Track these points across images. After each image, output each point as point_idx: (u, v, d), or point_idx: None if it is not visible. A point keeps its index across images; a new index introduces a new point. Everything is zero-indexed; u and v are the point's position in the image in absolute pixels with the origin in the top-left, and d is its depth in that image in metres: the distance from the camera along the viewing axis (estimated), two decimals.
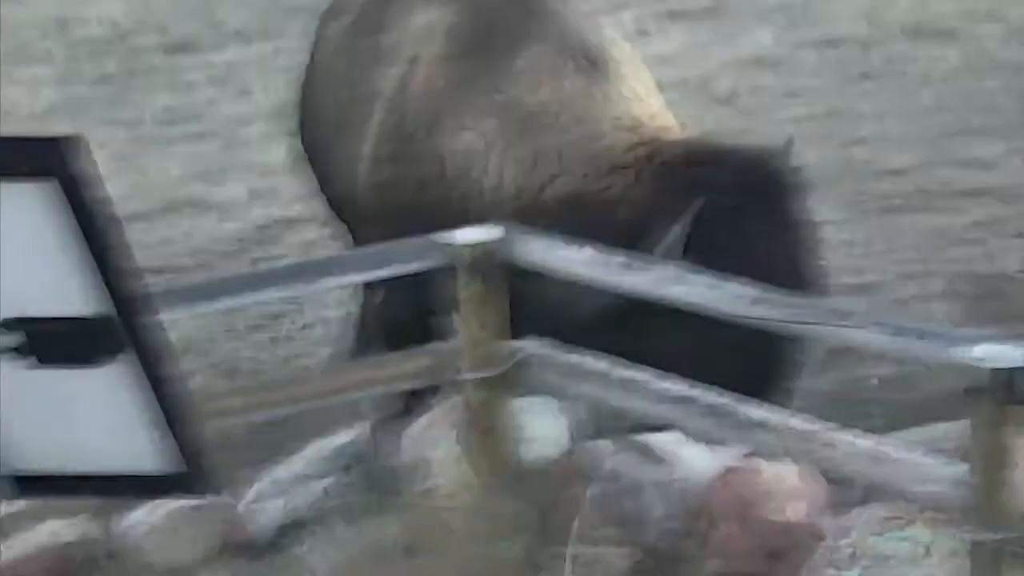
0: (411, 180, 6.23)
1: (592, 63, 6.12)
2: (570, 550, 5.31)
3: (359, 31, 6.83)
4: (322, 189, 7.54)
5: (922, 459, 4.53)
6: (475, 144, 6.09)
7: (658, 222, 5.64)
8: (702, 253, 5.53)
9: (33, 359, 2.73)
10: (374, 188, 6.35)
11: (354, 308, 8.06)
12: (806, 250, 5.83)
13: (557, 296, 5.84)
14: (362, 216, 6.53)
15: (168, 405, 2.77)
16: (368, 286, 7.30)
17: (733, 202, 5.63)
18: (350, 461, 6.02)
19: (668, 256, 5.46)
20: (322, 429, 7.01)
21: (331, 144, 6.92)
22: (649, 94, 6.20)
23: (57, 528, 5.66)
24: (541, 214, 5.96)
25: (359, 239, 6.88)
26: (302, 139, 7.66)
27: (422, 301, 6.33)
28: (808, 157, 10.03)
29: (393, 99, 6.34)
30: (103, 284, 2.61)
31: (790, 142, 6.04)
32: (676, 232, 5.50)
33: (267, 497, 5.99)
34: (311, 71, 7.35)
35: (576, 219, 5.86)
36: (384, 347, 6.79)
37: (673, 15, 13.98)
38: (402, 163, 6.27)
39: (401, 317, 6.56)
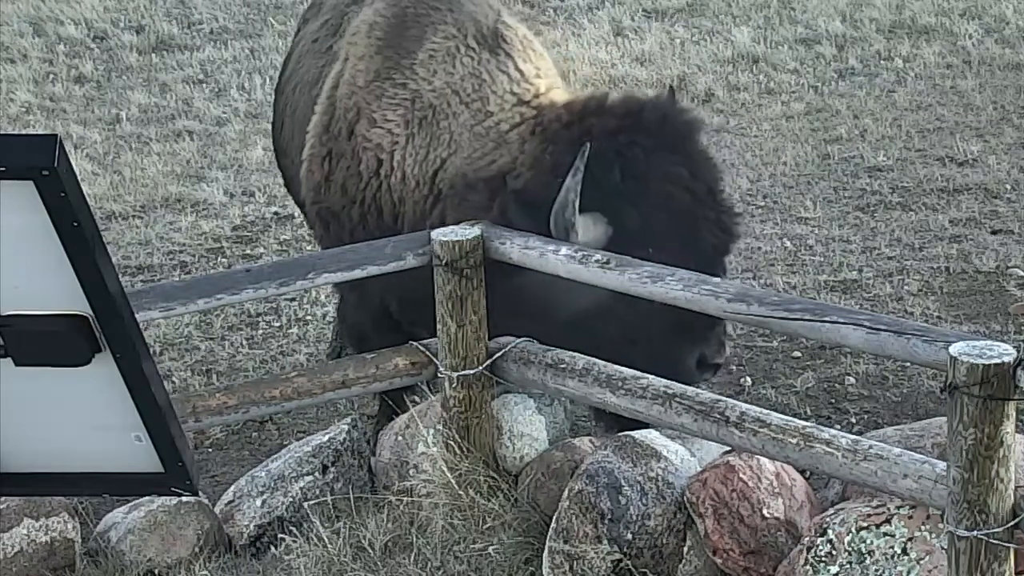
0: (337, 181, 6.21)
1: (483, 44, 6.08)
2: (550, 547, 5.31)
3: (325, 32, 6.81)
4: (288, 190, 7.51)
5: (900, 456, 4.54)
6: (383, 140, 6.08)
7: (551, 181, 5.55)
8: (599, 202, 5.45)
9: (9, 361, 2.72)
10: (312, 190, 6.34)
11: (332, 308, 8.06)
12: (710, 185, 5.71)
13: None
14: (310, 219, 6.55)
15: (146, 405, 2.76)
16: (338, 287, 7.29)
17: (620, 145, 5.54)
18: (328, 461, 6.02)
19: (565, 211, 5.38)
20: (301, 429, 7.02)
21: (292, 145, 6.90)
22: (541, 74, 6.11)
23: (35, 528, 5.65)
24: (437, 201, 5.92)
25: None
26: (273, 140, 7.64)
27: (375, 303, 6.29)
28: (786, 156, 10.12)
29: (326, 100, 6.33)
30: (80, 284, 2.60)
31: (673, 88, 6.00)
32: (568, 184, 5.39)
33: (246, 497, 5.98)
34: (284, 71, 7.34)
35: (469, 199, 5.79)
36: (351, 349, 6.80)
37: (650, 14, 14.01)
38: (331, 163, 6.24)
39: (358, 319, 6.57)
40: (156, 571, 5.71)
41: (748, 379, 7.15)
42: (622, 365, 5.39)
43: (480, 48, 6.06)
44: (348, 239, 6.05)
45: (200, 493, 5.81)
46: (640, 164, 5.53)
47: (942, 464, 4.41)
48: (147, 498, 5.78)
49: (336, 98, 6.25)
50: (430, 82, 6.04)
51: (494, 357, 5.60)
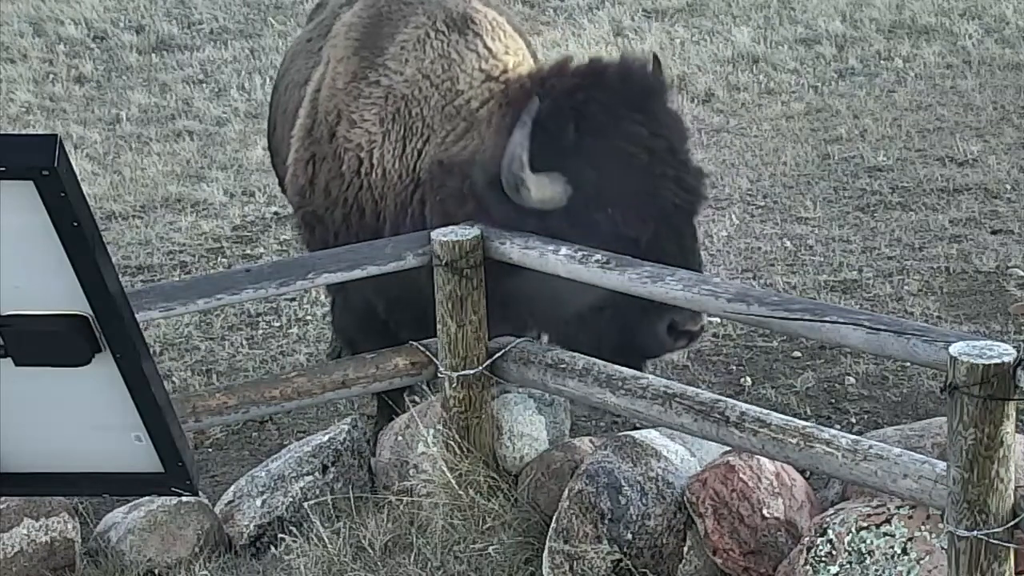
0: (320, 184, 6.19)
1: (452, 27, 6.04)
2: (550, 547, 5.31)
3: (318, 33, 6.79)
4: (282, 191, 7.50)
5: (900, 456, 4.54)
6: (362, 139, 6.05)
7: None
8: (557, 161, 5.39)
9: (9, 361, 2.72)
10: (296, 194, 6.32)
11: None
12: (671, 143, 5.60)
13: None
14: (295, 222, 6.54)
15: (146, 405, 2.76)
16: (328, 291, 7.29)
17: (576, 103, 5.47)
18: (328, 461, 6.02)
19: (512, 165, 5.31)
20: (301, 429, 7.02)
21: (283, 146, 6.89)
22: (510, 52, 6.05)
23: (35, 528, 5.65)
24: (417, 188, 5.87)
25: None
26: (268, 139, 7.62)
27: (359, 306, 6.28)
28: (786, 156, 10.12)
29: (309, 103, 6.31)
30: (80, 284, 2.60)
31: (657, 56, 5.95)
32: (515, 138, 5.31)
33: (246, 497, 5.98)
34: (280, 71, 7.33)
35: (447, 184, 5.73)
36: (344, 350, 6.80)
37: (650, 14, 14.01)
38: (315, 167, 6.23)
39: (344, 323, 6.56)
40: (156, 571, 5.71)
41: (748, 379, 7.16)
42: (589, 335, 5.39)
43: (449, 31, 6.02)
44: (332, 242, 6.03)
45: (200, 493, 5.81)
46: (596, 121, 5.45)
47: (942, 464, 4.41)
48: (147, 498, 5.78)
49: (318, 101, 6.24)
50: (401, 73, 6.01)
51: (494, 357, 5.60)
